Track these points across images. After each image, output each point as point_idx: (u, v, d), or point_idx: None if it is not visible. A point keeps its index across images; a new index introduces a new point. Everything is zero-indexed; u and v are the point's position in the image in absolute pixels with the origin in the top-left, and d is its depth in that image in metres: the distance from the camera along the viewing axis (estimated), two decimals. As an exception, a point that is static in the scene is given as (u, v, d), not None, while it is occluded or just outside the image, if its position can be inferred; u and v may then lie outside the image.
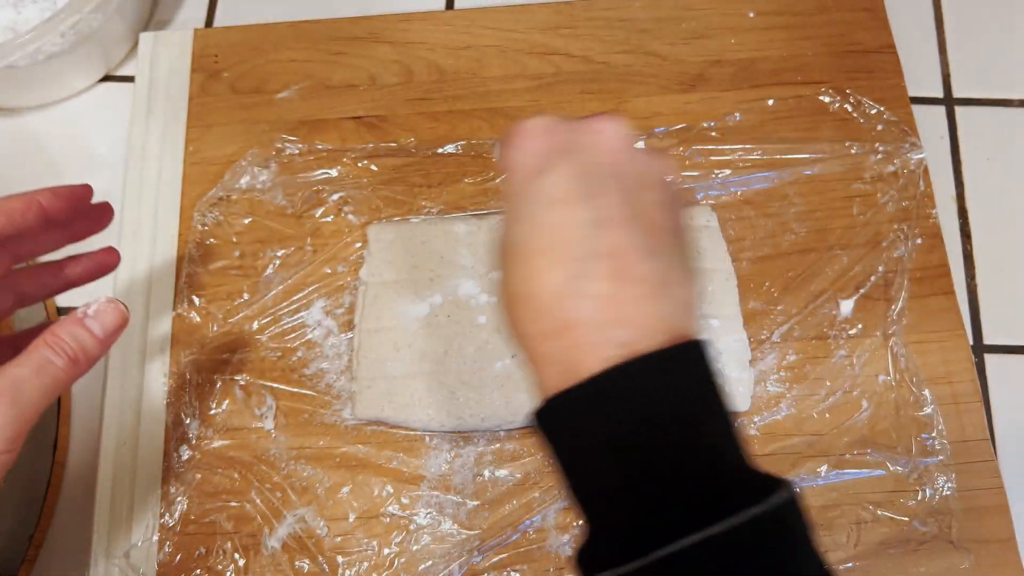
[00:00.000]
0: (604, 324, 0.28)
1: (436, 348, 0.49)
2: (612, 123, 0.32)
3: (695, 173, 0.55)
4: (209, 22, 0.64)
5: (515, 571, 0.46)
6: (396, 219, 0.54)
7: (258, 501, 0.48)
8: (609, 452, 0.28)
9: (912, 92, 0.57)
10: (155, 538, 0.48)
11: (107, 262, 0.43)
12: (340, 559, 0.47)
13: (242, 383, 0.51)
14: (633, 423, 0.27)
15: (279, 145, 0.56)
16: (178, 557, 0.47)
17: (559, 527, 0.47)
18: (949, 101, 0.60)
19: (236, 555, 0.47)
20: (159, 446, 0.50)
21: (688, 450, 0.28)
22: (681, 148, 0.55)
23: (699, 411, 0.28)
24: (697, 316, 0.31)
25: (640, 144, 0.37)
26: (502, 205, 0.54)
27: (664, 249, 0.30)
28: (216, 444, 0.49)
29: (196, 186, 0.56)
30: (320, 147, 0.56)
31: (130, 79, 0.61)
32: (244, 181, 0.55)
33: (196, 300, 0.53)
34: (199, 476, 0.49)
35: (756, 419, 0.49)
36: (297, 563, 0.47)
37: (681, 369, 0.28)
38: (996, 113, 0.59)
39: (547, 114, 0.33)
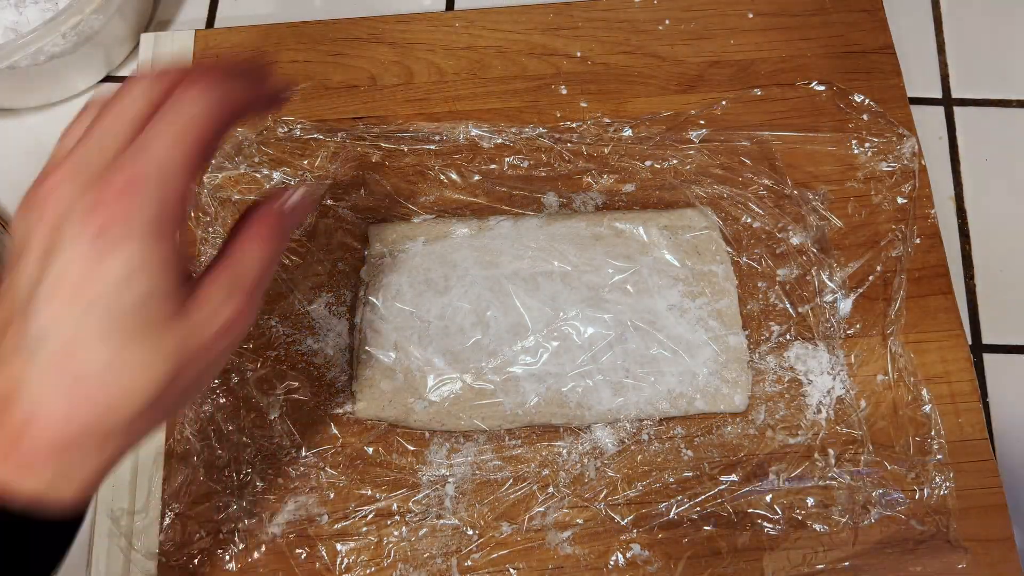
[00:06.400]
0: None
1: (436, 348, 0.50)
2: None
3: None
4: (210, 23, 0.64)
5: (513, 568, 0.47)
6: (396, 219, 0.54)
7: (260, 487, 0.48)
8: None
9: (911, 92, 0.57)
10: (156, 518, 0.48)
11: None
12: (339, 547, 0.47)
13: (247, 373, 0.51)
14: None
15: (280, 144, 0.56)
16: (178, 539, 0.47)
17: (558, 525, 0.47)
18: (948, 101, 0.60)
19: (236, 538, 0.47)
20: (160, 430, 0.50)
21: None
22: (680, 148, 0.56)
23: None
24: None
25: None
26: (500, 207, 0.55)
27: None
28: (219, 429, 0.49)
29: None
30: (320, 147, 0.56)
31: (131, 80, 0.62)
32: (243, 168, 0.55)
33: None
34: (202, 459, 0.49)
35: (755, 419, 0.49)
36: (296, 550, 0.47)
37: None
38: (995, 113, 0.59)
39: None
